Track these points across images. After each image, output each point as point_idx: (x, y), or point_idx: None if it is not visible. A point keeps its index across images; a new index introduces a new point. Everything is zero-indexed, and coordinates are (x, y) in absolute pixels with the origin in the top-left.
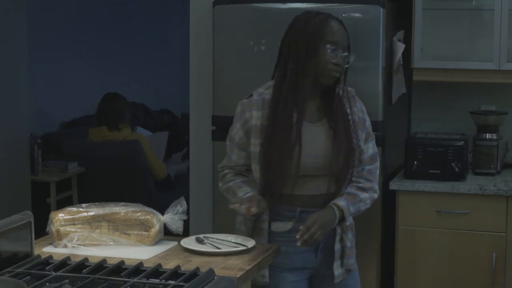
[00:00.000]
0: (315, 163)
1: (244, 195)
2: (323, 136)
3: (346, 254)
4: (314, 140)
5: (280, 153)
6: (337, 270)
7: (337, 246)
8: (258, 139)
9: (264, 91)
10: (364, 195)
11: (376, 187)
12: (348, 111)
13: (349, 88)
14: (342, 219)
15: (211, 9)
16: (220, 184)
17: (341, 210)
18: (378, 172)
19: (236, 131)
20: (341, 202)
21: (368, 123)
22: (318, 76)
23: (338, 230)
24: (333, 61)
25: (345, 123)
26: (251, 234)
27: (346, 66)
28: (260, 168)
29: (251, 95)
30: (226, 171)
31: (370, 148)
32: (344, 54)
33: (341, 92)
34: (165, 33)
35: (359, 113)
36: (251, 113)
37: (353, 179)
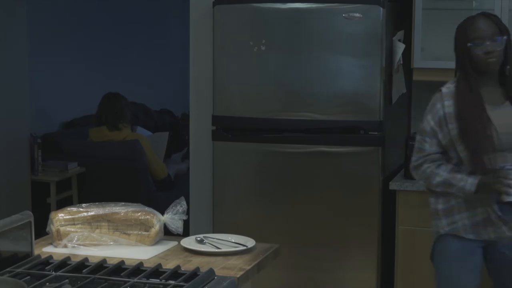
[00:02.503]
0: (510, 139)
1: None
2: (510, 115)
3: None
4: (502, 119)
5: (476, 132)
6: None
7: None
8: (454, 123)
9: (450, 85)
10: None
11: None
12: None
13: None
14: None
15: (211, 9)
16: (415, 173)
17: None
18: None
19: (427, 122)
20: None
21: None
22: (479, 67)
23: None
24: (480, 53)
25: None
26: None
27: (499, 48)
28: (465, 146)
29: (440, 90)
30: (421, 161)
31: None
32: (492, 41)
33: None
34: (165, 33)
35: None
36: (443, 103)
37: None
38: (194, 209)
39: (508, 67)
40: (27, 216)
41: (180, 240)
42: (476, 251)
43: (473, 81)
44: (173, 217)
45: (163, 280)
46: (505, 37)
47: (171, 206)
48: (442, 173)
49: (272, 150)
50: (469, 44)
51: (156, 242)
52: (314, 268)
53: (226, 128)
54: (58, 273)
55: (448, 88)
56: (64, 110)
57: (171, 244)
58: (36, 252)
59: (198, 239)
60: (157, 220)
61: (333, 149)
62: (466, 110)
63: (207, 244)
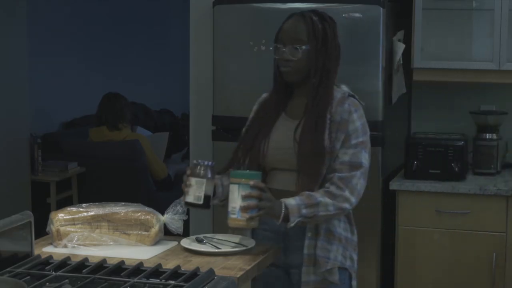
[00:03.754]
0: (276, 155)
1: None
2: (291, 131)
3: (318, 263)
4: (279, 135)
5: (245, 145)
6: (306, 276)
7: (305, 250)
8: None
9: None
10: (326, 200)
11: (349, 196)
12: (330, 109)
13: (343, 88)
14: (287, 218)
15: (211, 9)
16: None
17: (286, 208)
18: (357, 182)
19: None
20: (291, 201)
21: (353, 127)
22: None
23: (308, 234)
24: (277, 57)
25: (318, 121)
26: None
27: (295, 58)
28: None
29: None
30: None
31: (347, 155)
32: (291, 49)
33: (314, 89)
34: (165, 33)
35: (344, 114)
36: (254, 108)
37: (325, 185)
38: (194, 209)
39: (313, 80)
40: (27, 216)
41: (180, 240)
42: None
43: (276, 88)
44: (173, 217)
45: (163, 280)
46: (305, 47)
47: (171, 206)
48: None
49: None
50: (274, 45)
51: (156, 242)
52: None
53: (226, 128)
54: (58, 273)
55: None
56: (64, 110)
57: (171, 244)
58: (36, 252)
59: (198, 239)
60: (157, 220)
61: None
62: (252, 121)
63: (207, 244)
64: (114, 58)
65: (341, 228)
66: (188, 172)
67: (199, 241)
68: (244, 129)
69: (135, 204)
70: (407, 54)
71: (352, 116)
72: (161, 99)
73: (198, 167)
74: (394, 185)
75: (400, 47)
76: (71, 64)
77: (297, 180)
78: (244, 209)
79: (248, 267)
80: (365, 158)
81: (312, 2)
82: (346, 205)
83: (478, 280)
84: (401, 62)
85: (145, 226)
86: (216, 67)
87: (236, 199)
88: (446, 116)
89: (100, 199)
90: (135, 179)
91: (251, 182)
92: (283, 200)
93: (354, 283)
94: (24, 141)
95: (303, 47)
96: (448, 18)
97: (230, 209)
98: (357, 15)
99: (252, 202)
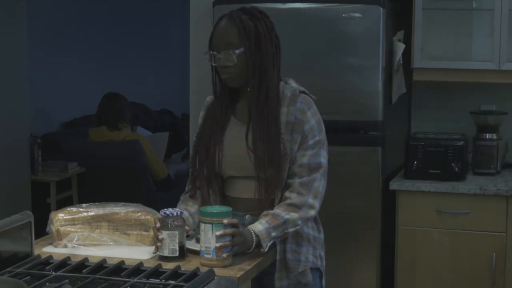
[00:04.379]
0: (232, 163)
1: None
2: (243, 136)
3: (289, 266)
4: (236, 139)
5: (200, 153)
6: (279, 282)
7: (277, 256)
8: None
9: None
10: (292, 215)
11: (312, 201)
12: (280, 109)
13: (292, 84)
14: (259, 245)
15: (211, 9)
16: None
17: (257, 236)
18: (319, 185)
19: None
20: (258, 226)
21: (308, 126)
22: None
23: (278, 240)
24: (214, 64)
25: (269, 123)
26: None
27: (231, 64)
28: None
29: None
30: None
31: (306, 157)
32: (226, 55)
33: (255, 90)
34: (165, 33)
35: (297, 113)
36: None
37: (286, 193)
38: None
39: (252, 81)
40: (27, 216)
41: None
42: None
43: (219, 93)
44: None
45: (163, 280)
46: (238, 51)
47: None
48: None
49: None
50: (208, 53)
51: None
52: None
53: None
54: (58, 273)
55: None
56: (64, 110)
57: None
58: (36, 252)
59: (198, 239)
60: None
61: (333, 149)
62: (202, 129)
63: None
64: (114, 58)
65: (309, 228)
66: (158, 225)
67: (199, 241)
68: (195, 137)
69: (135, 204)
70: (407, 54)
71: (307, 114)
72: (161, 99)
73: (169, 219)
74: (394, 185)
75: (400, 47)
76: (71, 64)
77: (257, 188)
78: (219, 248)
79: (248, 267)
80: (324, 157)
81: (312, 2)
82: (312, 213)
83: (478, 280)
84: (401, 62)
85: (145, 226)
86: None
87: (210, 239)
88: (446, 116)
89: (100, 199)
90: (135, 179)
91: (225, 221)
92: (250, 227)
93: (323, 281)
94: (24, 141)
95: (237, 51)
96: (448, 18)
97: (203, 248)
98: (357, 15)
99: (227, 242)
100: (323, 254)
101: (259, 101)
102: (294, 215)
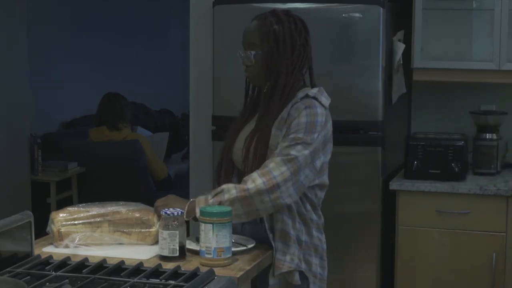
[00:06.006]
0: (236, 155)
1: None
2: (247, 132)
3: (274, 265)
4: (245, 134)
5: (223, 148)
6: (272, 279)
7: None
8: None
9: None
10: (229, 185)
11: (256, 176)
12: (287, 110)
13: (312, 90)
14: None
15: (211, 9)
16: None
17: (193, 201)
18: (276, 167)
19: None
20: (201, 196)
21: (296, 122)
22: None
23: (270, 234)
24: (241, 62)
25: (267, 121)
26: None
27: (250, 64)
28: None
29: None
30: None
31: (279, 147)
32: (245, 54)
33: (270, 91)
34: (165, 33)
35: (294, 111)
36: None
37: None
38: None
39: (268, 83)
40: (27, 216)
41: None
42: None
43: (247, 91)
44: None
45: (163, 280)
46: (254, 52)
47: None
48: None
49: None
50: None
51: (157, 242)
52: None
53: (226, 128)
54: (58, 273)
55: None
56: (64, 110)
57: None
58: (36, 252)
59: (198, 239)
60: (158, 219)
61: (333, 149)
62: (231, 123)
63: None
64: (114, 58)
65: (296, 229)
66: (159, 224)
67: (199, 241)
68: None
69: (135, 203)
70: (407, 54)
71: (300, 112)
72: (161, 99)
73: (170, 219)
74: (394, 185)
75: (400, 47)
76: (71, 64)
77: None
78: (220, 249)
79: (248, 267)
80: (298, 151)
81: (312, 2)
82: (250, 186)
83: (478, 280)
84: (401, 62)
85: (146, 225)
86: (216, 67)
87: (210, 239)
88: (446, 116)
89: (100, 199)
90: (135, 179)
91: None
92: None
93: (311, 286)
94: (24, 141)
95: (253, 52)
96: (448, 18)
97: (203, 248)
98: (357, 15)
99: (229, 242)
100: (314, 260)
101: (271, 102)
102: (231, 185)
